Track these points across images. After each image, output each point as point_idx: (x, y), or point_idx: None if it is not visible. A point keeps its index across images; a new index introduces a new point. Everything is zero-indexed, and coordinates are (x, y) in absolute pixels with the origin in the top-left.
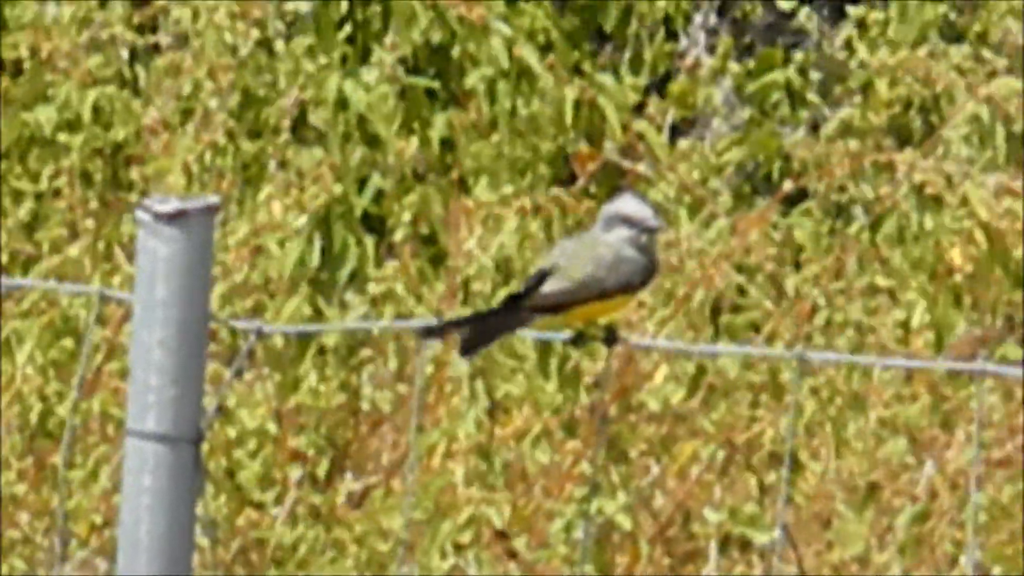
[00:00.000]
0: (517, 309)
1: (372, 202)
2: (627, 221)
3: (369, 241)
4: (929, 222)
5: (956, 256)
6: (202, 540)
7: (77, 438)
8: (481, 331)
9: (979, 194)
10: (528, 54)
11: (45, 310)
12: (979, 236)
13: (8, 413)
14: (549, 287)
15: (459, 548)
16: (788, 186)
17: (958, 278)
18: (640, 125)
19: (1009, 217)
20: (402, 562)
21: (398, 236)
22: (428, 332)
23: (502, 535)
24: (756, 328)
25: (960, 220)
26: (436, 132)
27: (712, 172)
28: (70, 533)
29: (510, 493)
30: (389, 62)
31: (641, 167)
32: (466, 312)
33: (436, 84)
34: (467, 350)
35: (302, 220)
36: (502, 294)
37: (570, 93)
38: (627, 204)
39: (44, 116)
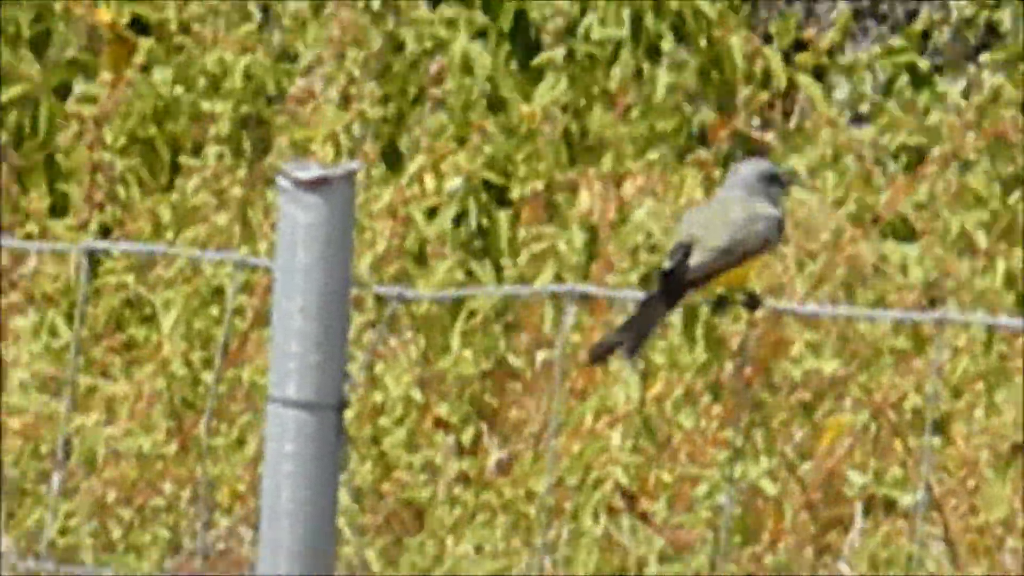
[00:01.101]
0: (668, 292)
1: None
2: (756, 177)
3: (503, 216)
4: None
5: None
6: (351, 505)
7: (222, 407)
8: (640, 328)
9: None
10: None
11: (190, 278)
12: None
13: (153, 382)
14: (695, 260)
15: (612, 512)
16: (935, 154)
17: None
18: (804, 80)
19: None
20: (547, 526)
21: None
22: (597, 355)
23: (631, 498)
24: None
25: None
26: (559, 99)
27: (843, 149)
28: (214, 502)
29: (659, 458)
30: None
31: (770, 138)
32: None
33: (558, 54)
34: (632, 351)
35: (457, 182)
36: (645, 269)
37: (737, 42)
38: (753, 162)
39: (169, 81)
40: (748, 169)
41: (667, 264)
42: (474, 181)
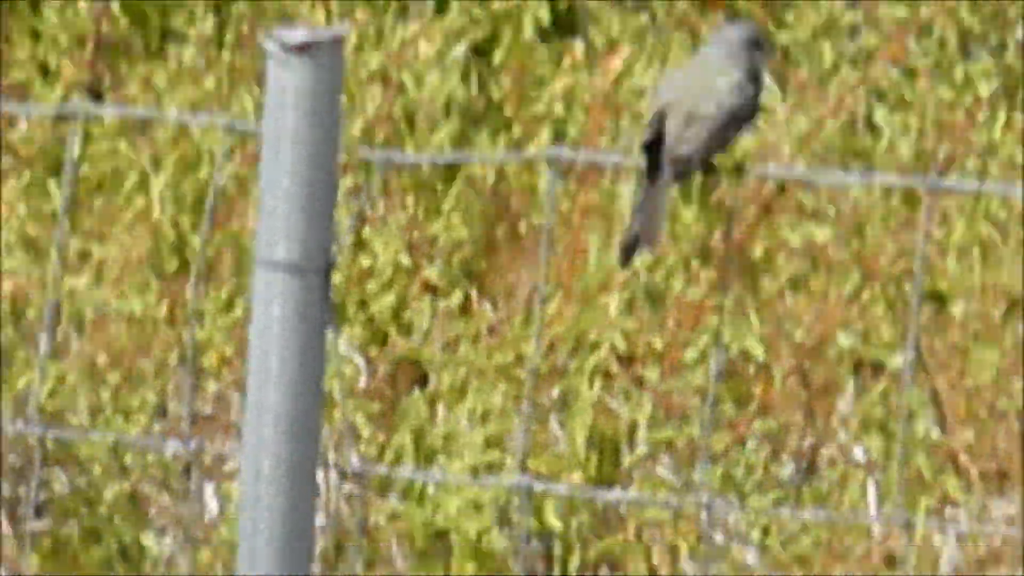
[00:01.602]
0: (654, 166)
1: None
2: (740, 43)
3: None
4: None
5: None
6: (355, 361)
7: (210, 270)
8: (651, 216)
9: None
10: None
11: (179, 142)
12: None
13: (140, 247)
14: (678, 143)
15: (608, 377)
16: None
17: None
18: None
19: None
20: (533, 390)
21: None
22: (626, 255)
23: (628, 361)
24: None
25: None
26: None
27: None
28: (202, 366)
29: (651, 324)
30: None
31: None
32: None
33: None
34: (651, 241)
35: (460, 50)
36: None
37: None
38: (738, 26)
39: None
40: (732, 33)
41: (646, 136)
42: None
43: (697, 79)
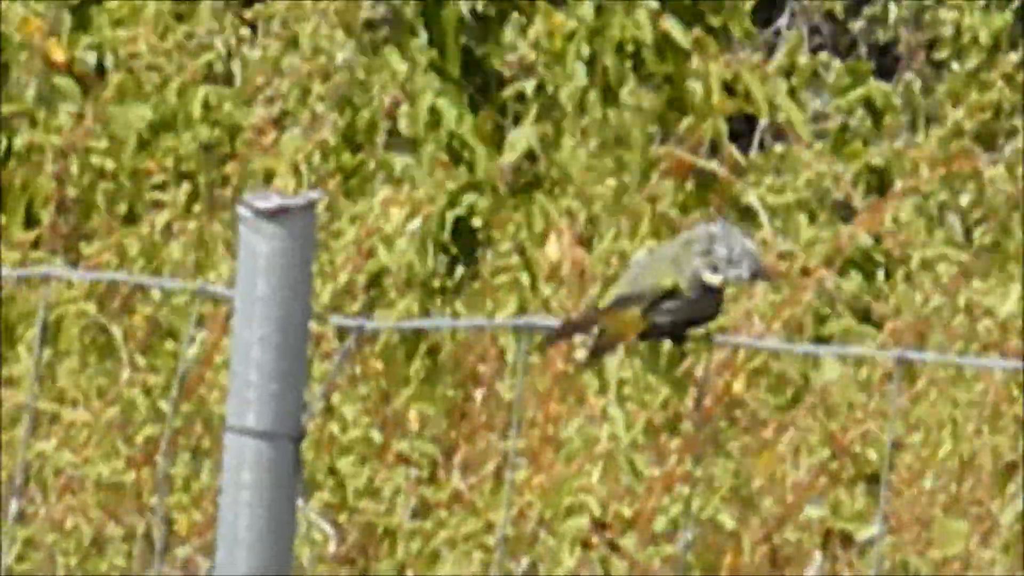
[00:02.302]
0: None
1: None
2: (696, 246)
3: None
4: None
5: None
6: (324, 529)
7: (179, 436)
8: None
9: None
10: (674, 27)
11: (149, 307)
12: None
13: (111, 411)
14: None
15: (586, 547)
16: (899, 185)
17: None
18: (786, 105)
19: None
20: (503, 558)
21: (496, 249)
22: (556, 337)
23: (603, 526)
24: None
25: None
26: (523, 143)
27: (808, 175)
28: (171, 531)
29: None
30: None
31: (720, 168)
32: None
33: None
34: (594, 355)
35: (415, 224)
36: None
37: (715, 69)
38: (699, 229)
39: (138, 116)
40: (691, 235)
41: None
42: (434, 220)
43: (650, 275)
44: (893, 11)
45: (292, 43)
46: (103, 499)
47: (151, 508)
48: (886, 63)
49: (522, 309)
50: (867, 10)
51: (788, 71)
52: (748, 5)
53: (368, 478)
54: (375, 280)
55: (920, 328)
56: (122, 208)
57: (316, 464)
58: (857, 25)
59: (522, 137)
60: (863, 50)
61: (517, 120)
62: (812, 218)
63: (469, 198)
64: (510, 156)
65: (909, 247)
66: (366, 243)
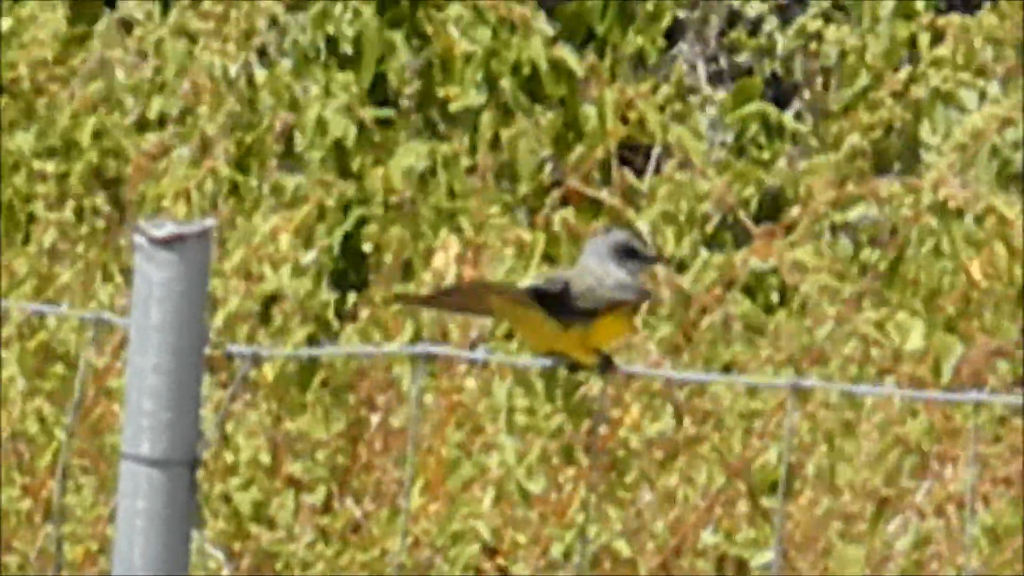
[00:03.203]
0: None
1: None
2: (610, 250)
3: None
4: (945, 237)
5: (975, 269)
6: (216, 557)
7: (70, 464)
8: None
9: (1000, 202)
10: (567, 54)
11: (25, 335)
12: (1000, 249)
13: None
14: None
15: (479, 573)
16: (795, 212)
17: (951, 310)
18: (679, 131)
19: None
20: None
21: (379, 266)
22: (411, 301)
23: (494, 553)
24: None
25: (976, 232)
26: (416, 163)
27: (698, 201)
28: (65, 560)
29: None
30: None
31: (607, 195)
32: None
33: (393, 113)
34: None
35: (311, 256)
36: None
37: (610, 96)
38: (618, 236)
39: (25, 142)
40: (600, 241)
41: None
42: (329, 252)
43: (581, 279)
44: (780, 41)
45: (183, 65)
46: None
47: (46, 536)
48: (780, 94)
49: (417, 334)
50: (753, 41)
51: (680, 96)
52: (664, 24)
53: (261, 502)
54: (265, 305)
55: (814, 355)
56: (15, 234)
57: (210, 491)
58: (746, 55)
59: (411, 152)
60: (757, 79)
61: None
62: (707, 242)
63: (356, 212)
64: (398, 171)
65: (800, 272)
66: (255, 267)
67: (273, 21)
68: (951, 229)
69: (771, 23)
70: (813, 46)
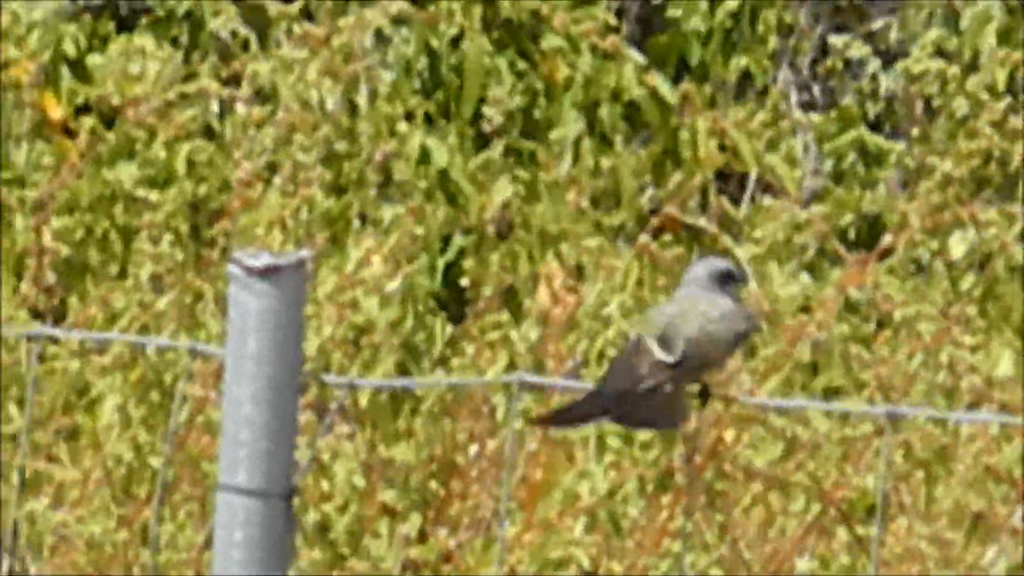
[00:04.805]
0: (673, 380)
1: (452, 262)
2: (708, 277)
3: (438, 320)
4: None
5: None
6: None
7: (166, 494)
8: (648, 415)
9: None
10: (660, 83)
11: (127, 364)
12: None
13: (100, 468)
14: (683, 349)
15: None
16: (887, 240)
17: None
18: (773, 160)
19: None
20: None
21: (479, 296)
22: (561, 421)
23: None
24: (860, 385)
25: None
26: (517, 191)
27: (795, 231)
28: None
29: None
30: (469, 122)
31: (707, 224)
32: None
33: (528, 145)
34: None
35: (395, 283)
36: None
37: (703, 124)
38: (706, 262)
39: (126, 173)
40: (701, 269)
41: (668, 357)
42: (423, 268)
43: (690, 309)
44: (884, 82)
45: (276, 97)
46: (94, 558)
47: (142, 566)
48: (876, 120)
49: (512, 363)
50: (855, 84)
51: (775, 123)
52: (770, 47)
53: (354, 532)
54: (360, 333)
55: (906, 383)
56: (112, 268)
57: (305, 520)
58: (837, 82)
59: (509, 183)
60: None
61: (509, 160)
62: (811, 270)
63: (458, 241)
64: (498, 200)
65: (892, 302)
66: (348, 295)
67: (379, 35)
68: None
69: (873, 65)
70: (915, 87)
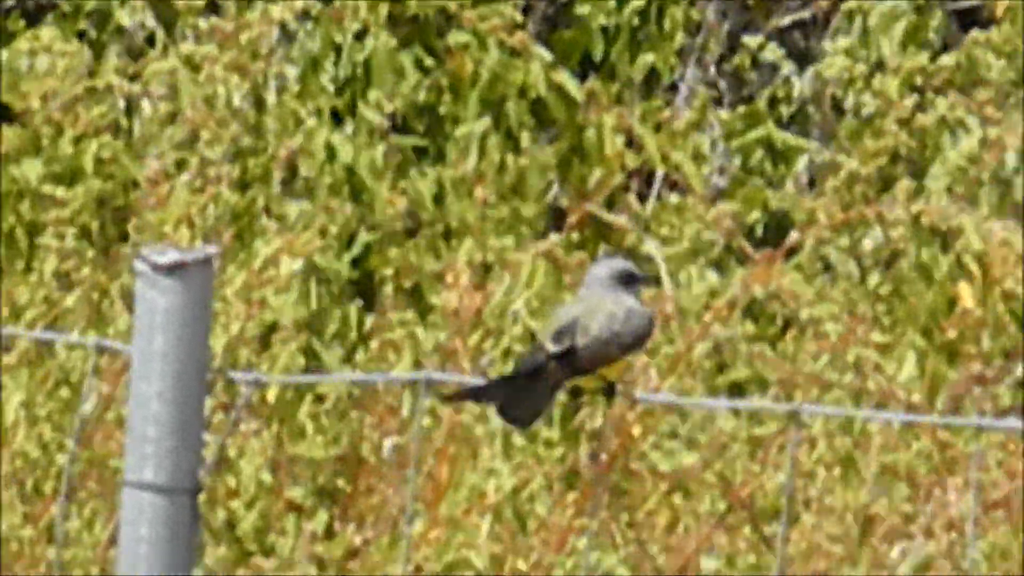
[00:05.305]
0: (552, 370)
1: (359, 257)
2: (610, 277)
3: (352, 308)
4: (927, 256)
5: (964, 292)
6: None
7: (72, 490)
8: (533, 404)
9: (972, 224)
10: (566, 80)
11: (34, 361)
12: (975, 268)
13: (4, 466)
14: (582, 344)
15: None
16: (793, 237)
17: (951, 334)
18: (679, 156)
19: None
20: None
21: (385, 292)
22: (460, 397)
23: None
24: (761, 383)
25: (961, 255)
26: (425, 188)
27: (703, 226)
28: None
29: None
30: (375, 119)
31: (623, 220)
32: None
33: (423, 142)
34: (526, 424)
35: (297, 265)
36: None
37: (609, 121)
38: (608, 262)
39: (32, 170)
40: (603, 269)
41: (555, 347)
42: (320, 267)
43: (593, 308)
44: (797, 86)
45: (192, 95)
46: None
47: (48, 563)
48: (784, 118)
49: (418, 360)
50: (767, 89)
51: (694, 124)
52: (676, 43)
53: (262, 528)
54: (268, 330)
55: (813, 382)
56: (18, 264)
57: (211, 517)
58: (753, 75)
59: (420, 179)
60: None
61: (417, 158)
62: (718, 267)
63: (363, 237)
64: (406, 198)
65: (799, 302)
66: (256, 292)
67: (283, 28)
68: (937, 255)
69: (787, 67)
70: (829, 90)
